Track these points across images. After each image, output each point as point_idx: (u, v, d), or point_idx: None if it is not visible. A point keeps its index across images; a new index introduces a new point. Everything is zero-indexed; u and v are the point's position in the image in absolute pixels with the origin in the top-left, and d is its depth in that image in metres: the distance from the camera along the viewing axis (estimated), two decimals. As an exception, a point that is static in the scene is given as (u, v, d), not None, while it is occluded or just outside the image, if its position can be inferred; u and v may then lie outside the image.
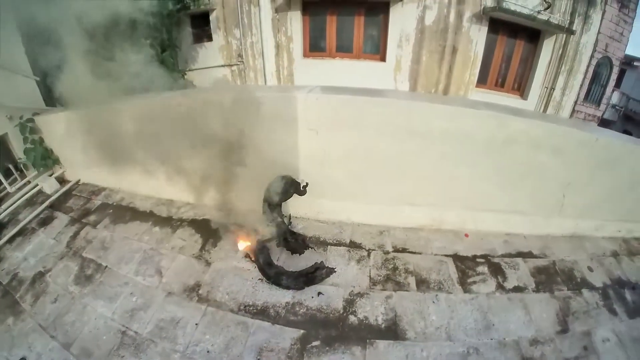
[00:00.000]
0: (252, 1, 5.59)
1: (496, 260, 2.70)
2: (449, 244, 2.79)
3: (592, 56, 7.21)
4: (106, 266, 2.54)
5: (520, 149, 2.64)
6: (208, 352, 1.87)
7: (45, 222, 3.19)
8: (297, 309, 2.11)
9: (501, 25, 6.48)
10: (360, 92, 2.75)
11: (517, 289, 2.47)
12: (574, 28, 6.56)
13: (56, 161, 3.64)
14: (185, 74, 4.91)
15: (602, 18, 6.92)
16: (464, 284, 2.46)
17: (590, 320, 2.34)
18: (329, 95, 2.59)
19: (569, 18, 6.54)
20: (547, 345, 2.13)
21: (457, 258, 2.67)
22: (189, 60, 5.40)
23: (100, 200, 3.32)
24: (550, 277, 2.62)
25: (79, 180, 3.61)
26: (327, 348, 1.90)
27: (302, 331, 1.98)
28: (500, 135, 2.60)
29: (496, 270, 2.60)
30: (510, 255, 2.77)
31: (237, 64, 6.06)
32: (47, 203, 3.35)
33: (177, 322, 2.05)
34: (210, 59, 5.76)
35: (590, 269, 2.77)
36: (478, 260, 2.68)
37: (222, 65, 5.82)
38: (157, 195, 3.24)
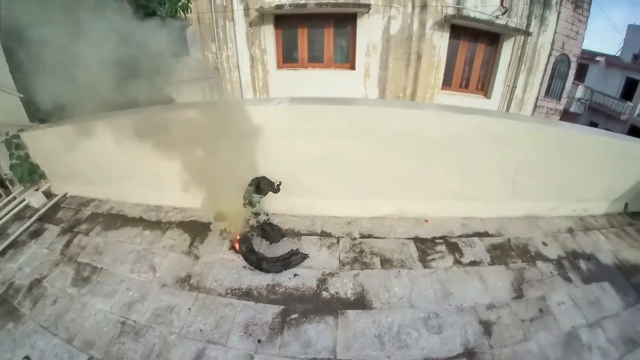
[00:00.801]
0: (227, 16, 5.85)
1: (454, 240, 3.03)
2: (410, 229, 3.11)
3: (550, 54, 7.75)
4: (102, 268, 2.70)
5: (469, 142, 2.98)
6: (201, 330, 2.12)
7: (36, 234, 3.29)
8: (277, 289, 2.40)
9: (462, 31, 6.92)
10: (322, 101, 3.09)
11: (473, 263, 2.78)
12: (531, 30, 7.08)
13: (42, 176, 3.74)
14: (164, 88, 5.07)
15: (558, 19, 7.48)
16: (424, 261, 2.78)
17: (545, 287, 2.62)
18: (295, 106, 2.91)
19: (526, 21, 7.08)
20: (503, 309, 2.42)
21: (417, 240, 2.99)
22: (166, 74, 5.57)
23: (90, 211, 3.46)
24: (505, 252, 2.93)
25: (66, 193, 3.73)
26: (304, 319, 2.20)
27: (282, 307, 2.27)
28: (448, 131, 2.97)
29: (454, 249, 2.92)
30: (467, 236, 3.09)
31: (213, 77, 6.29)
32: (36, 216, 3.45)
33: (171, 308, 2.27)
34: (187, 73, 5.95)
35: (544, 244, 3.10)
36: (437, 241, 3.01)
37: (199, 79, 6.02)
38: (145, 202, 3.42)
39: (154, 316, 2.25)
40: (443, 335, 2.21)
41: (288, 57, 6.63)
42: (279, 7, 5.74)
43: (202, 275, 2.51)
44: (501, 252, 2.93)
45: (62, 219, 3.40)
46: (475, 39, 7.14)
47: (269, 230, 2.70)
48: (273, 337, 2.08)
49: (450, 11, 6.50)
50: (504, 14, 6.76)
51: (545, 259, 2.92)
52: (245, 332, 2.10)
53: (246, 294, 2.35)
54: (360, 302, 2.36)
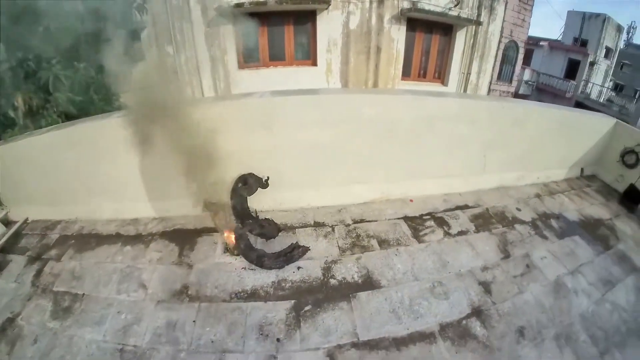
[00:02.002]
0: (183, 17, 5.44)
1: (439, 215, 3.16)
2: (398, 210, 3.17)
3: (499, 42, 8.24)
4: (83, 294, 2.37)
5: (442, 123, 3.12)
6: (212, 341, 1.93)
7: None
8: (283, 284, 2.28)
9: (418, 24, 7.13)
10: (302, 92, 3.01)
11: (461, 233, 2.94)
12: (481, 20, 7.47)
13: (-4, 202, 3.20)
14: (120, 96, 4.60)
15: (506, 8, 7.95)
16: (417, 237, 2.85)
17: (527, 246, 2.87)
18: (277, 98, 2.78)
19: (476, 11, 7.45)
20: (496, 269, 2.59)
21: (407, 219, 3.06)
22: (122, 81, 5.06)
23: (58, 234, 3.02)
24: (486, 220, 3.15)
25: (27, 218, 3.22)
26: (318, 309, 2.11)
27: (292, 301, 2.16)
28: (422, 114, 3.05)
29: (441, 222, 3.06)
30: (450, 210, 3.25)
31: (172, 81, 5.81)
32: (-5, 248, 2.94)
33: (174, 325, 2.05)
34: (145, 79, 5.46)
35: (518, 209, 3.38)
36: (425, 217, 3.11)
37: (157, 84, 5.55)
38: (120, 216, 3.07)
39: (156, 336, 2.01)
40: (450, 300, 2.29)
41: (249, 57, 6.36)
42: (238, 5, 5.47)
43: (200, 283, 2.30)
44: (483, 221, 3.14)
45: (26, 247, 2.94)
46: (431, 31, 7.43)
47: (266, 226, 2.54)
48: (291, 332, 1.96)
49: (406, 5, 6.68)
50: (456, 5, 7.09)
51: (522, 222, 3.18)
52: (261, 334, 1.95)
53: (252, 295, 2.19)
54: (369, 283, 2.34)
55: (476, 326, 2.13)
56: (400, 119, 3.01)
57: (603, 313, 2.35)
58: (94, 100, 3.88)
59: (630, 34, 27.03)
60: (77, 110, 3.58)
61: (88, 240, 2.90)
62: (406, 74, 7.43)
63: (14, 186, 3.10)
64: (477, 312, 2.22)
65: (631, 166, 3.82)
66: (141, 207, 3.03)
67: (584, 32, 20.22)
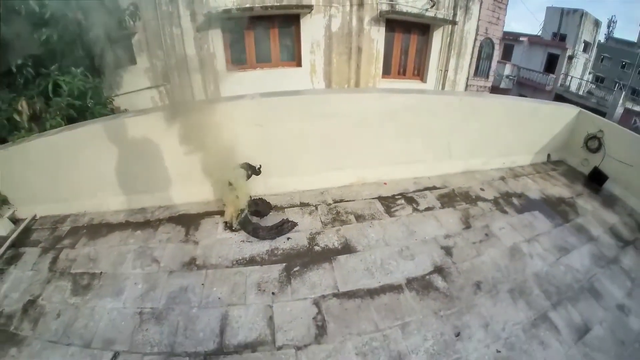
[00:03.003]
0: (173, 23, 5.66)
1: (410, 195, 3.56)
2: (374, 191, 3.58)
3: (475, 39, 8.61)
4: (101, 272, 2.63)
5: (406, 115, 3.53)
6: (219, 298, 2.29)
7: (13, 260, 3.00)
8: (276, 252, 2.69)
9: (396, 24, 7.48)
10: (287, 93, 3.39)
11: (428, 209, 3.33)
12: (457, 19, 7.84)
13: (4, 201, 3.41)
14: (113, 100, 4.81)
15: (480, 8, 8.32)
16: (389, 212, 3.26)
17: (487, 219, 3.23)
18: (266, 99, 3.14)
19: (452, 11, 7.81)
20: (457, 237, 2.97)
21: (381, 198, 3.47)
22: (113, 86, 5.25)
23: (69, 226, 3.28)
24: (452, 199, 3.54)
25: (35, 215, 3.45)
26: (305, 269, 2.52)
27: (284, 264, 2.56)
28: (388, 108, 3.47)
29: (411, 201, 3.46)
30: (419, 190, 3.65)
31: (163, 85, 6.03)
32: (7, 243, 3.14)
33: (185, 288, 2.39)
34: (135, 83, 5.65)
35: (482, 189, 3.76)
36: (396, 197, 3.52)
37: (149, 87, 5.75)
38: (127, 207, 3.36)
39: (170, 299, 2.32)
40: (415, 261, 2.71)
41: (237, 59, 6.65)
42: (226, 11, 5.73)
43: (205, 255, 2.65)
44: (448, 199, 3.54)
45: (38, 240, 3.16)
46: (409, 31, 7.80)
47: (260, 204, 2.94)
48: (284, 287, 2.36)
49: (385, 7, 7.03)
50: (432, 7, 7.48)
51: (484, 200, 3.58)
52: (259, 290, 2.34)
53: (251, 261, 2.57)
54: (347, 249, 2.75)
55: (438, 280, 2.53)
56: (370, 113, 3.42)
57: (557, 273, 2.68)
58: (90, 104, 4.10)
59: (611, 28, 27.95)
60: (77, 113, 3.81)
61: (99, 229, 3.18)
62: (386, 72, 7.81)
63: (20, 186, 3.31)
64: (439, 270, 2.62)
65: (594, 151, 4.22)
66: (147, 197, 3.33)
67: (562, 27, 20.68)
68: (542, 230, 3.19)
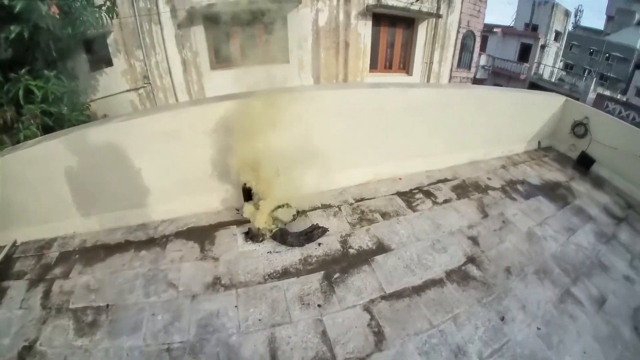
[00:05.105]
0: (152, 20, 5.03)
1: (426, 188, 3.51)
2: (390, 187, 3.46)
3: (458, 32, 8.68)
4: (107, 305, 2.21)
5: (420, 110, 3.42)
6: (260, 320, 1.98)
7: None
8: (309, 260, 2.42)
9: (383, 18, 7.36)
10: (296, 89, 3.07)
11: (446, 201, 3.31)
12: (441, 12, 7.85)
13: (-26, 228, 2.80)
14: (89, 105, 4.19)
15: (462, 1, 8.35)
16: (411, 207, 3.16)
17: (500, 207, 3.31)
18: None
19: (436, 5, 7.82)
20: (479, 226, 2.99)
21: (400, 194, 3.36)
22: (88, 90, 4.58)
23: (57, 251, 2.77)
24: (465, 189, 3.56)
25: (15, 241, 2.88)
26: (346, 275, 2.30)
27: (322, 272, 2.32)
28: (405, 103, 3.31)
29: (428, 194, 3.40)
30: (434, 183, 3.63)
31: (143, 87, 5.41)
32: (-18, 278, 2.59)
33: (217, 314, 2.04)
34: (112, 86, 5.00)
35: (489, 178, 3.85)
36: (414, 191, 3.44)
37: (128, 90, 5.13)
38: (123, 224, 2.89)
39: (201, 328, 1.96)
40: (449, 253, 2.63)
41: (221, 57, 6.12)
42: (210, 6, 5.19)
43: (231, 273, 2.32)
44: (462, 190, 3.56)
45: (23, 271, 2.64)
46: (394, 25, 7.72)
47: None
48: (328, 297, 2.12)
49: (371, 1, 6.88)
50: (417, 0, 7.43)
51: (494, 189, 3.66)
52: (303, 304, 2.07)
53: (285, 273, 2.29)
54: (382, 248, 2.58)
55: (473, 269, 2.49)
56: (386, 109, 3.28)
57: (569, 252, 2.85)
58: (65, 111, 3.51)
59: (578, 17, 29.59)
60: (53, 122, 3.24)
61: (95, 252, 2.71)
62: (373, 66, 7.72)
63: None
64: (471, 260, 2.59)
65: (581, 136, 4.44)
66: (146, 212, 2.89)
67: (534, 17, 21.53)
68: (549, 214, 3.33)
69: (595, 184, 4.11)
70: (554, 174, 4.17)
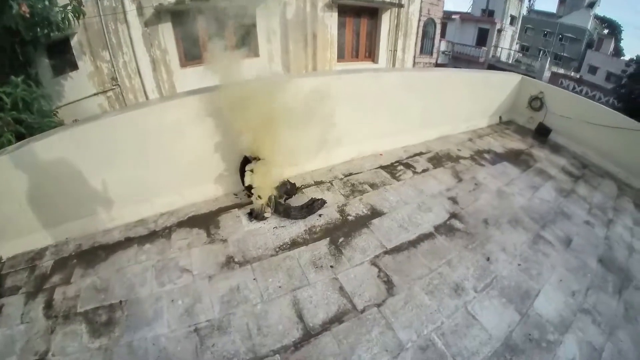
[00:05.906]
0: (118, 19, 4.74)
1: (405, 161, 3.81)
2: (374, 162, 3.72)
3: (419, 20, 9.06)
4: (120, 301, 2.13)
5: (393, 93, 3.68)
6: (280, 287, 2.10)
7: None
8: (314, 229, 2.60)
9: (348, 10, 7.51)
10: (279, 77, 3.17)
11: (424, 170, 3.62)
12: (402, 2, 8.12)
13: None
14: (57, 112, 3.91)
15: None
16: (395, 177, 3.43)
17: (471, 172, 3.67)
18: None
19: None
20: (456, 189, 3.32)
21: (383, 167, 3.63)
22: (53, 96, 4.24)
23: (51, 259, 2.62)
24: (439, 160, 3.90)
25: (1, 257, 2.69)
26: (350, 238, 2.51)
27: (327, 238, 2.50)
28: (380, 87, 3.55)
29: (408, 166, 3.70)
30: (411, 157, 3.94)
31: (112, 89, 5.11)
32: (-29, 297, 2.39)
33: (237, 288, 2.10)
34: (79, 90, 4.68)
35: (459, 150, 4.23)
36: (395, 164, 3.72)
37: (96, 94, 4.82)
38: (120, 223, 2.82)
39: (225, 303, 2.02)
40: (434, 212, 2.95)
41: (191, 55, 5.93)
42: (179, 2, 4.99)
43: (242, 251, 2.40)
44: (437, 161, 3.91)
45: (16, 285, 2.42)
46: (359, 15, 7.93)
47: (289, 186, 2.77)
48: (338, 259, 2.31)
49: None
50: None
51: (464, 158, 4.06)
52: (317, 267, 2.23)
53: (294, 244, 2.43)
54: (376, 213, 2.83)
55: (456, 223, 2.82)
56: (364, 92, 3.47)
57: (535, 205, 3.27)
58: (32, 119, 3.29)
59: (532, 2, 31.20)
60: (25, 129, 3.04)
61: (94, 254, 2.61)
62: (341, 56, 7.92)
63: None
64: (454, 215, 2.92)
65: (537, 109, 4.97)
66: (143, 208, 2.85)
67: (490, 3, 22.54)
68: (514, 176, 3.78)
69: (553, 149, 4.66)
70: (516, 143, 4.67)
